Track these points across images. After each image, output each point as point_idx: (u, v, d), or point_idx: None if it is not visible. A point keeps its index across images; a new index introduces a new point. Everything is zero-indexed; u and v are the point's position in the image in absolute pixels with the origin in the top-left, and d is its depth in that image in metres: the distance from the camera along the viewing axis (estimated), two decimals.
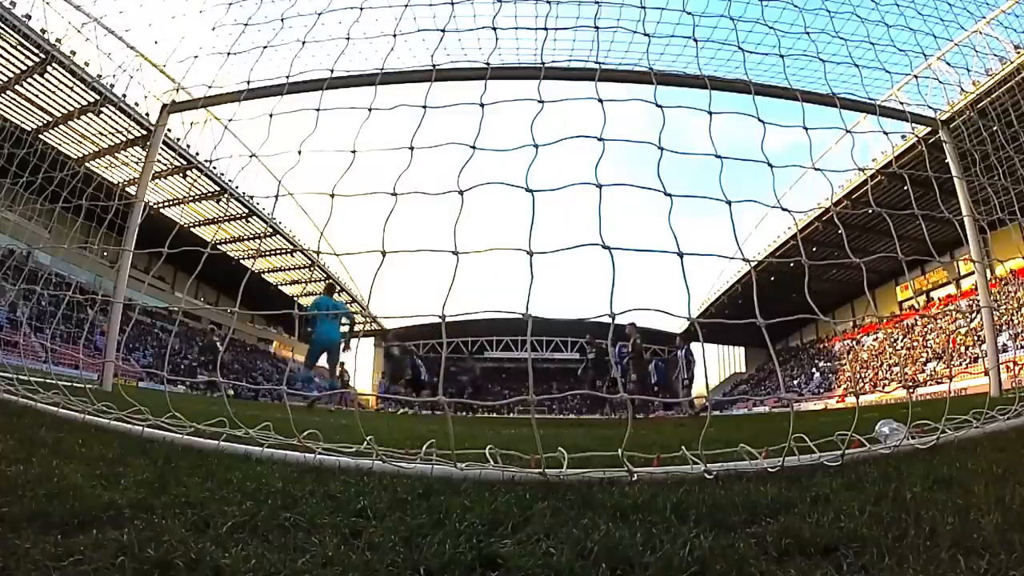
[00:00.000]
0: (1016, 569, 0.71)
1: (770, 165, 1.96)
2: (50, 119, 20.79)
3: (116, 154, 22.49)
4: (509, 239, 2.19)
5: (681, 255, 1.60)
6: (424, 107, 1.99)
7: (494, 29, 2.43)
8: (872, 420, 2.02)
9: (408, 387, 11.22)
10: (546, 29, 2.73)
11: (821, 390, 33.01)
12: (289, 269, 36.39)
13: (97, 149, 22.28)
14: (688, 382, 10.29)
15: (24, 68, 18.18)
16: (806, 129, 2.25)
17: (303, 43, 2.73)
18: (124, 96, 19.68)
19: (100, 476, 1.21)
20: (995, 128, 4.66)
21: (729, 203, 1.74)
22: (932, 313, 30.23)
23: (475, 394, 10.78)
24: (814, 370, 37.28)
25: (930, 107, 5.02)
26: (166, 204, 27.10)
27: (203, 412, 2.64)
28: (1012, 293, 23.63)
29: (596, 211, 1.60)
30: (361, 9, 2.76)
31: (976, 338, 22.67)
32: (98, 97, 19.45)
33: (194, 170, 24.77)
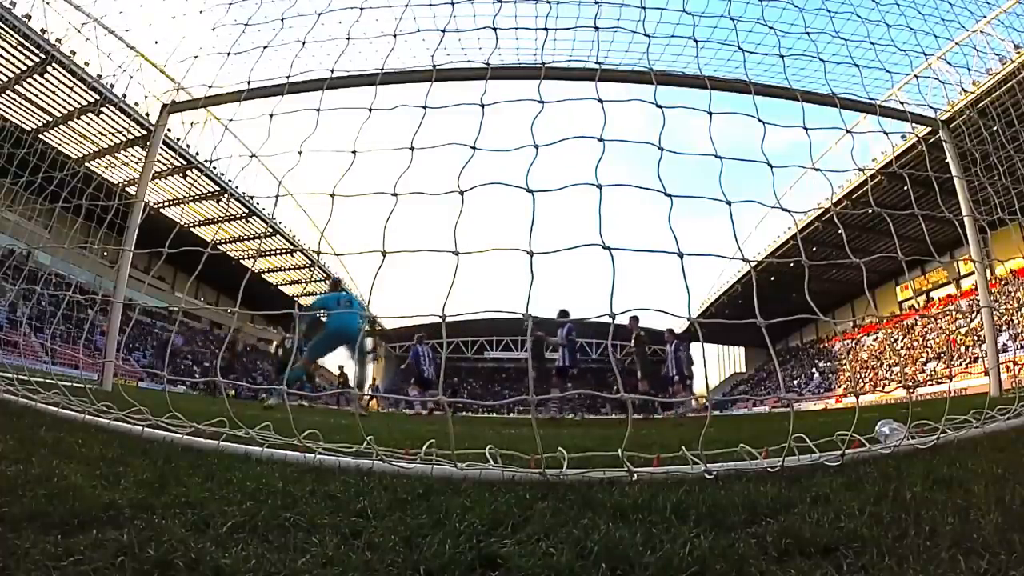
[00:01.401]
0: (1016, 569, 0.71)
1: (770, 165, 1.96)
2: (50, 119, 20.81)
3: (116, 154, 22.51)
4: (509, 239, 2.19)
5: (681, 255, 1.60)
6: (424, 107, 1.99)
7: (494, 29, 2.43)
8: (872, 420, 2.02)
9: (415, 386, 10.92)
10: (546, 29, 2.74)
11: (821, 390, 33.01)
12: (289, 269, 36.42)
13: (97, 149, 22.30)
14: (688, 379, 10.03)
15: (24, 68, 18.20)
16: (806, 129, 2.25)
17: (303, 43, 2.73)
18: (124, 96, 19.71)
19: (100, 476, 1.21)
20: (995, 128, 4.66)
21: (729, 203, 1.74)
22: (932, 313, 30.24)
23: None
24: (814, 370, 37.28)
25: (930, 106, 5.01)
26: (166, 204, 27.12)
27: (203, 412, 2.64)
28: (1012, 293, 23.62)
29: (596, 211, 1.60)
30: (361, 9, 2.76)
31: (976, 338, 22.67)
32: (98, 97, 19.47)
33: (194, 170, 24.79)
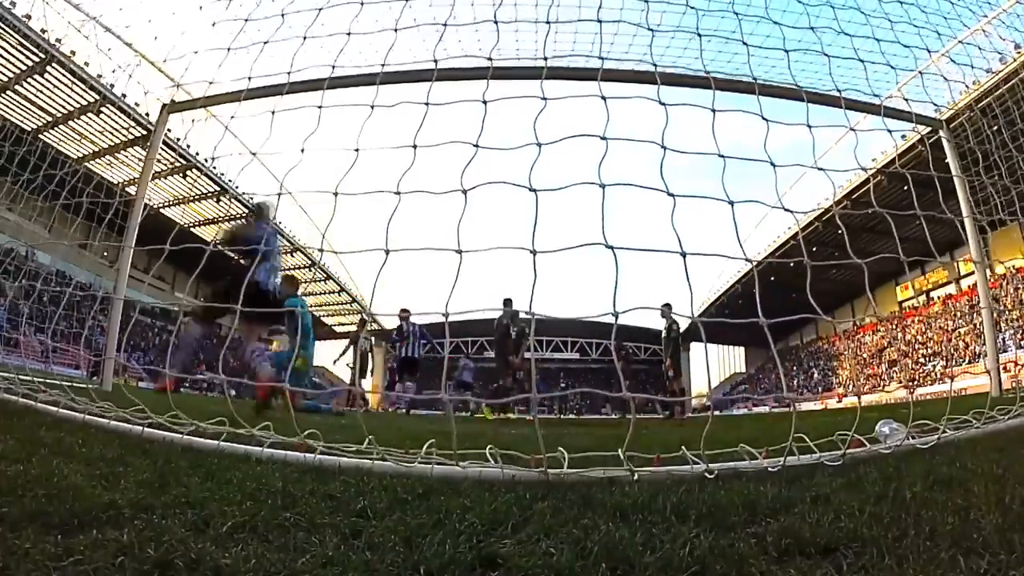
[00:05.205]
0: (1016, 569, 0.71)
1: (772, 164, 1.96)
2: (50, 119, 20.81)
3: (116, 154, 22.52)
4: (512, 238, 2.19)
5: (684, 254, 1.59)
6: (427, 104, 1.98)
7: (495, 22, 2.43)
8: (872, 420, 2.01)
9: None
10: (548, 22, 2.74)
11: (820, 389, 33.03)
12: (289, 269, 36.45)
13: (97, 149, 22.31)
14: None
15: (24, 68, 18.20)
16: (809, 127, 2.25)
17: (304, 38, 2.72)
18: (124, 96, 19.71)
19: (100, 476, 1.21)
20: (996, 127, 4.65)
21: (731, 203, 1.73)
22: (933, 312, 30.21)
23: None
24: (814, 370, 37.30)
25: (933, 103, 4.99)
26: (166, 204, 27.14)
27: (203, 412, 2.63)
28: (1013, 292, 23.61)
29: (600, 210, 1.59)
30: (362, 4, 2.75)
31: (976, 336, 22.66)
32: (98, 97, 19.47)
33: (194, 170, 24.80)
